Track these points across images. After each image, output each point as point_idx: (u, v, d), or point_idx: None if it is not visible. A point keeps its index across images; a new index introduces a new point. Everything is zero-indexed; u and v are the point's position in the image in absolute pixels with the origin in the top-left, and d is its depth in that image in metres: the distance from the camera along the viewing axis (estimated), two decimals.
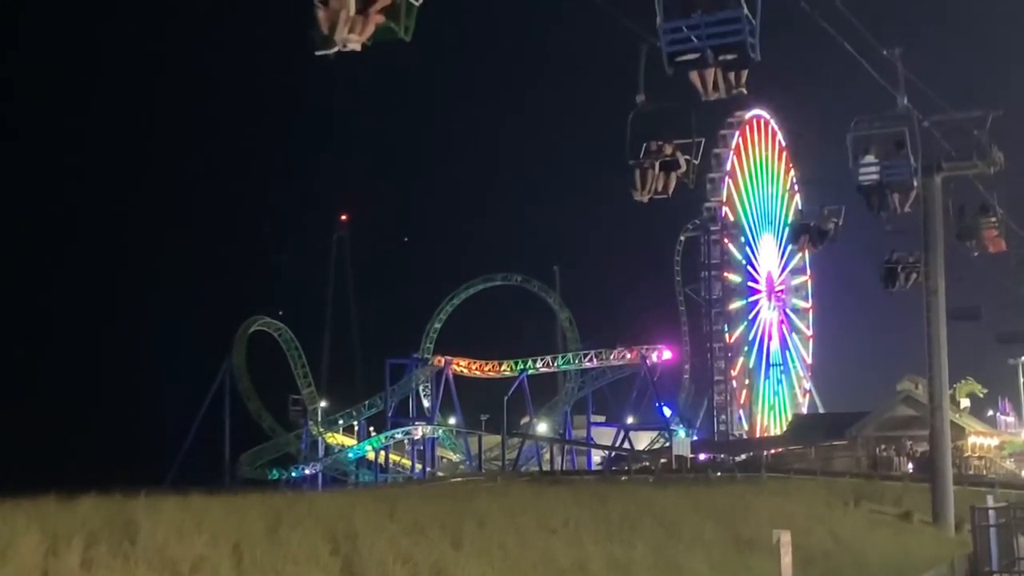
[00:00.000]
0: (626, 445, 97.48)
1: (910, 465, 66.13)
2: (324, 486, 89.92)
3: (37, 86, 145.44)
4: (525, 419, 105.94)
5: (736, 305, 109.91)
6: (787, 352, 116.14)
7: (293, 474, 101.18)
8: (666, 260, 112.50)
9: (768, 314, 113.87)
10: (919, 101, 26.50)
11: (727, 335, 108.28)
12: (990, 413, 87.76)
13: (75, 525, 11.95)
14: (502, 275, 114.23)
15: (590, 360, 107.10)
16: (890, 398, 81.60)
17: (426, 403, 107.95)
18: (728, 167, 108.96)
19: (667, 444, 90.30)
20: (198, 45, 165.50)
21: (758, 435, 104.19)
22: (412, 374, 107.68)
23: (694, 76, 16.34)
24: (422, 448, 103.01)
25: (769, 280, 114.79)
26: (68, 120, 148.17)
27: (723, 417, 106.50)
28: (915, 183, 25.61)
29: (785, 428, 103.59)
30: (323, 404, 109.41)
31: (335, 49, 11.84)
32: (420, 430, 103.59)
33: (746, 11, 15.68)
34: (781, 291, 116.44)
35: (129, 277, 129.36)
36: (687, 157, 19.90)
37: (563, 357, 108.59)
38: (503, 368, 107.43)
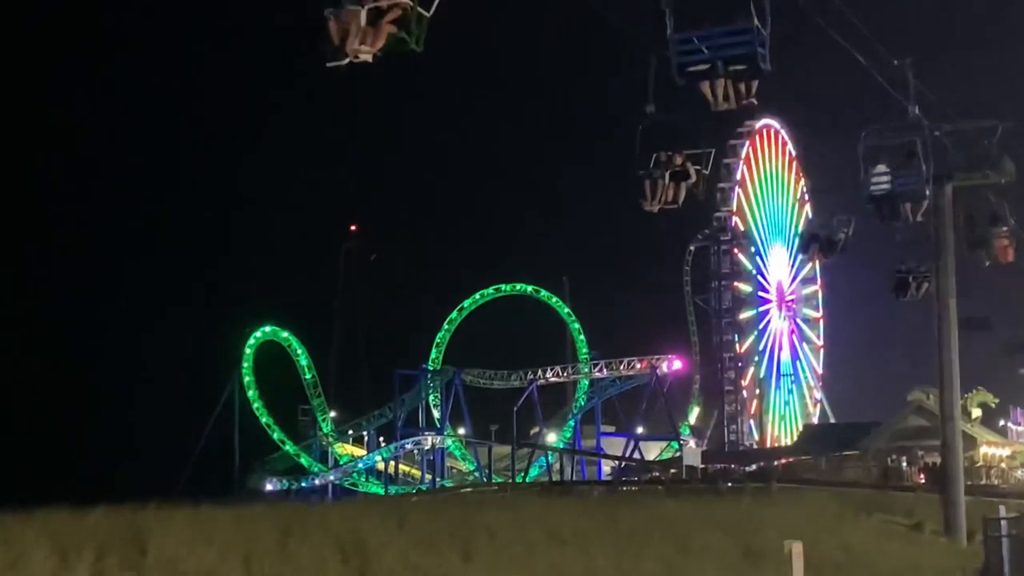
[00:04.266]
0: (636, 455, 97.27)
1: (921, 476, 65.86)
2: (334, 496, 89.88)
3: (41, 84, 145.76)
4: (535, 429, 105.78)
5: (746, 315, 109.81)
6: (797, 362, 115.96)
7: (303, 485, 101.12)
8: (676, 270, 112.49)
9: (778, 324, 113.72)
10: (930, 111, 26.48)
11: (737, 345, 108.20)
12: (1002, 423, 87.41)
13: (85, 537, 11.94)
14: (511, 285, 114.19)
15: (600, 370, 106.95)
16: (901, 408, 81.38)
17: (436, 413, 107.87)
18: (738, 177, 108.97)
19: (677, 455, 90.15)
20: (204, 50, 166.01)
21: (768, 445, 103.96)
22: (421, 384, 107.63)
23: (704, 87, 16.35)
24: (432, 458, 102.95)
25: (779, 290, 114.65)
26: (75, 122, 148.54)
27: (733, 427, 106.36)
28: (926, 193, 25.56)
29: (796, 438, 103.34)
30: (332, 414, 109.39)
31: (347, 60, 11.84)
32: (430, 440, 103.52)
33: (756, 22, 15.67)
34: (791, 301, 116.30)
35: (136, 288, 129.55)
36: (697, 167, 19.87)
37: (573, 367, 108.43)
38: (512, 378, 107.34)
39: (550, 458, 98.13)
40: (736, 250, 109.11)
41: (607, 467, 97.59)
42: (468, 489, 70.01)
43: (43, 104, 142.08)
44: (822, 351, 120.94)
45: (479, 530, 17.29)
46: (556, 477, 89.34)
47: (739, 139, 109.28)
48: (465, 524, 17.47)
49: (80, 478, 60.40)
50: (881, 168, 25.31)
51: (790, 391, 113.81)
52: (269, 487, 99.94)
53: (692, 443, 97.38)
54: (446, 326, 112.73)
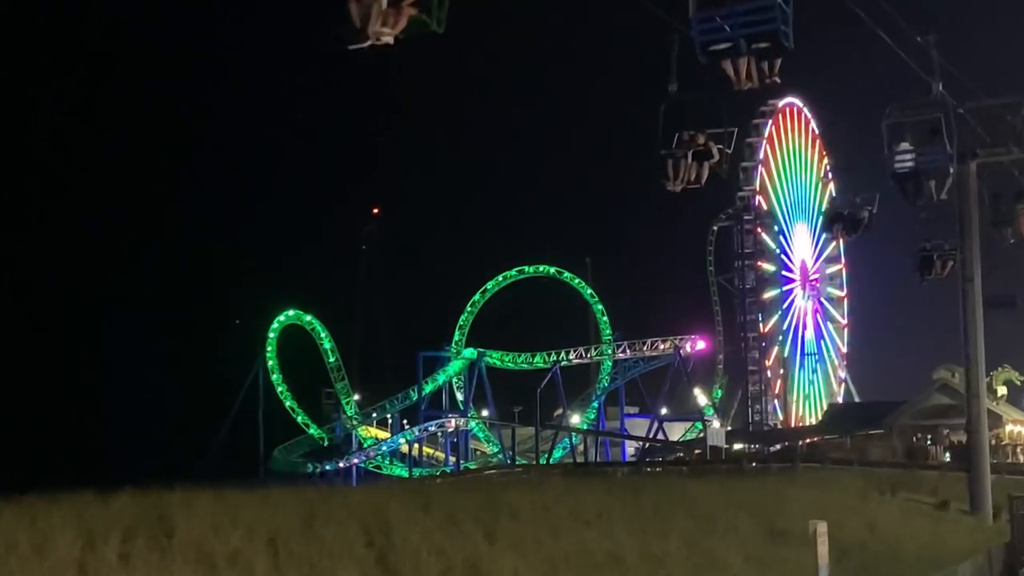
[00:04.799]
0: (660, 436, 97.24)
1: (947, 454, 65.65)
2: (358, 479, 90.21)
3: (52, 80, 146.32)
4: (558, 411, 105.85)
5: (770, 294, 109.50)
6: (822, 341, 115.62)
7: (327, 467, 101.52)
8: (699, 250, 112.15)
9: (802, 303, 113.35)
10: (953, 88, 26.27)
11: (761, 325, 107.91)
12: None
13: (112, 520, 12.02)
14: (534, 266, 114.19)
15: (623, 351, 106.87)
16: (926, 387, 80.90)
17: (459, 395, 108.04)
18: (761, 156, 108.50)
19: (701, 435, 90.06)
20: (227, 38, 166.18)
21: (793, 425, 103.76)
22: (445, 366, 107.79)
23: (727, 65, 16.25)
24: (455, 441, 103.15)
25: (803, 269, 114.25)
26: (91, 114, 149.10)
27: (757, 407, 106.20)
28: (950, 170, 25.39)
29: (820, 418, 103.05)
30: (356, 397, 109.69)
31: (368, 43, 11.81)
32: (453, 422, 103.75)
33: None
34: (815, 280, 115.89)
35: (162, 273, 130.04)
36: (720, 147, 19.76)
37: (596, 348, 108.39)
38: (536, 360, 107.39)
39: (574, 439, 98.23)
40: (759, 229, 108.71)
41: (631, 448, 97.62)
42: (492, 471, 70.10)
43: (56, 89, 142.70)
44: (846, 330, 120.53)
45: (503, 511, 17.33)
46: (580, 459, 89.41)
47: (762, 118, 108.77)
48: (489, 506, 17.51)
49: (106, 462, 60.78)
50: (905, 146, 25.15)
51: (814, 370, 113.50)
52: (309, 468, 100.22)
53: (716, 423, 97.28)
54: (469, 308, 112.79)
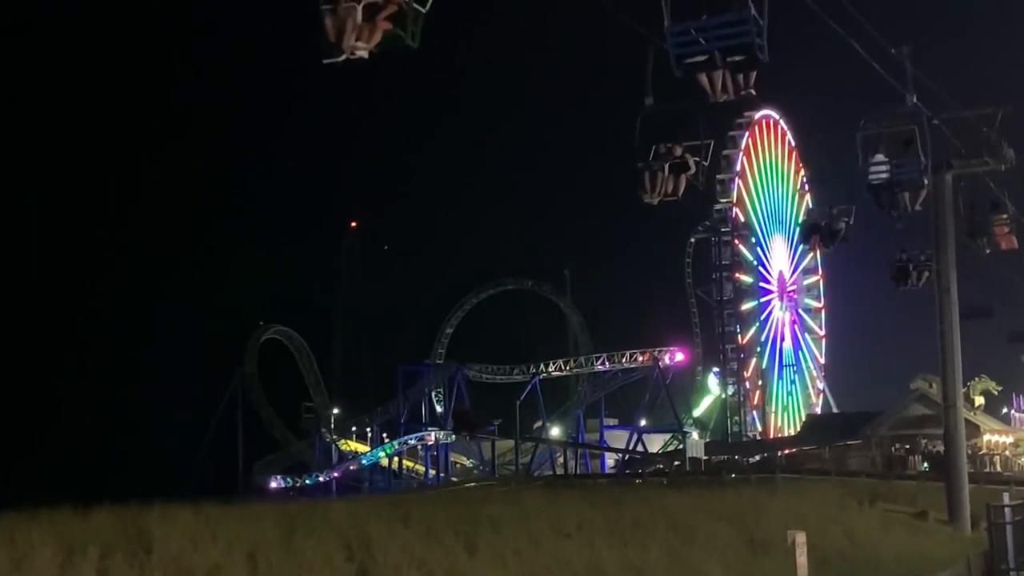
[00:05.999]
0: (639, 448, 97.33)
1: (925, 464, 65.91)
2: (338, 493, 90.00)
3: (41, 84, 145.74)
4: (538, 423, 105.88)
5: (748, 306, 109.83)
6: (800, 352, 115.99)
7: (307, 482, 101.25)
8: (677, 262, 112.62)
9: (780, 314, 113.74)
10: (928, 99, 26.41)
11: (739, 336, 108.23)
12: (1005, 411, 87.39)
13: (90, 536, 11.98)
14: (513, 279, 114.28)
15: (602, 363, 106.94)
16: (904, 397, 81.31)
17: (439, 408, 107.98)
18: (738, 168, 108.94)
19: (680, 447, 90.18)
20: (202, 48, 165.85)
21: (772, 436, 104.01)
22: (425, 380, 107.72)
23: (702, 78, 16.32)
24: (436, 454, 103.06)
25: (781, 280, 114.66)
26: (70, 123, 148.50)
27: (736, 418, 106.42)
28: (925, 181, 25.52)
29: (799, 428, 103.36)
30: (335, 411, 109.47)
31: (343, 57, 11.83)
32: (433, 435, 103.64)
33: (753, 12, 15.66)
34: (793, 291, 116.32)
35: (139, 287, 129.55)
36: (696, 159, 19.85)
37: (575, 361, 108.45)
38: (515, 372, 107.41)
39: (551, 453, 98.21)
40: (737, 241, 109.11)
41: (611, 460, 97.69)
42: (472, 484, 70.07)
43: (40, 97, 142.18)
44: (824, 340, 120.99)
45: (484, 523, 17.32)
46: (559, 471, 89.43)
47: (738, 130, 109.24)
48: (469, 518, 17.51)
49: (85, 477, 60.48)
50: (879, 157, 25.27)
51: (792, 381, 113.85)
52: (273, 484, 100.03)
53: (695, 435, 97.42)
54: (449, 321, 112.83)
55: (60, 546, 11.40)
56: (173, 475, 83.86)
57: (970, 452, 52.10)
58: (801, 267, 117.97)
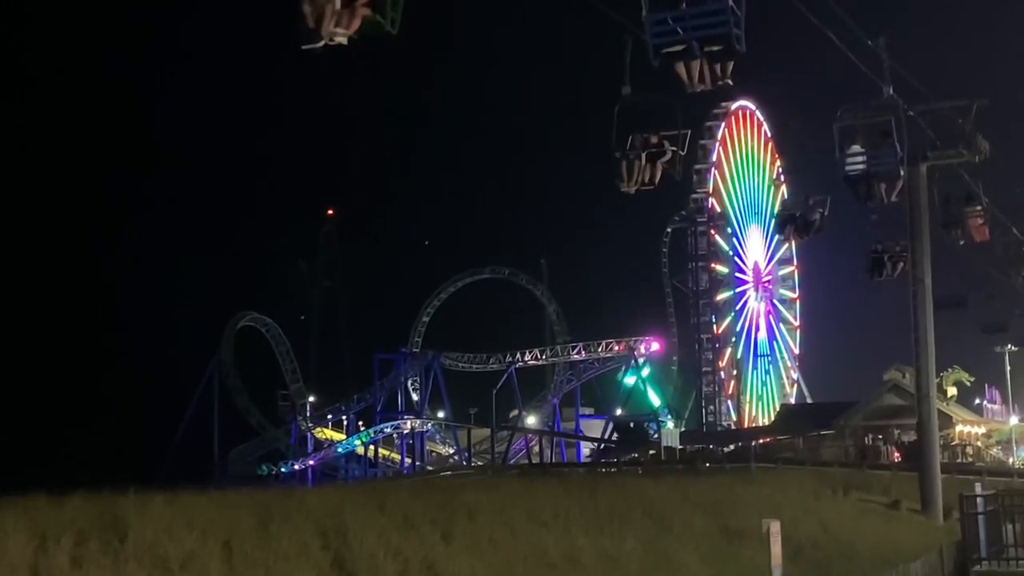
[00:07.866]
0: (615, 437, 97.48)
1: (898, 454, 66.25)
2: (314, 481, 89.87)
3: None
4: (514, 412, 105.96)
5: (723, 296, 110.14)
6: (774, 342, 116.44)
7: (283, 470, 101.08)
8: (653, 252, 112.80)
9: (755, 304, 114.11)
10: (904, 90, 26.50)
11: (715, 326, 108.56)
12: (977, 402, 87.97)
13: (64, 523, 11.90)
14: (489, 268, 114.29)
15: (578, 352, 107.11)
16: (877, 387, 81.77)
17: (415, 397, 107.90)
18: (714, 158, 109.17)
19: (656, 436, 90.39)
20: (181, 38, 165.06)
21: (746, 425, 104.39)
22: (401, 368, 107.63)
23: (680, 68, 16.33)
24: (411, 442, 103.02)
25: (756, 271, 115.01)
26: (53, 116, 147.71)
27: (711, 408, 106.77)
28: (901, 173, 25.59)
29: (773, 418, 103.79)
30: (312, 399, 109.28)
31: (322, 43, 11.77)
32: (409, 424, 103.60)
33: (731, 2, 15.68)
34: (768, 281, 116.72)
35: (116, 274, 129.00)
36: (673, 148, 19.86)
37: (551, 350, 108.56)
38: (491, 361, 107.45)
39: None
40: (713, 231, 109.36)
41: (586, 449, 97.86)
42: (448, 472, 70.09)
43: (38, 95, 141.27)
44: (799, 331, 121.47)
45: (460, 512, 17.31)
46: (536, 460, 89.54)
47: (715, 120, 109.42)
48: (446, 506, 17.49)
49: (59, 464, 60.21)
50: (856, 148, 25.31)
51: (767, 371, 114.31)
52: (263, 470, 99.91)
53: (671, 424, 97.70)
54: (425, 310, 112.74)
55: (34, 533, 11.34)
56: (149, 462, 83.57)
57: (943, 443, 52.41)
58: (776, 258, 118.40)
